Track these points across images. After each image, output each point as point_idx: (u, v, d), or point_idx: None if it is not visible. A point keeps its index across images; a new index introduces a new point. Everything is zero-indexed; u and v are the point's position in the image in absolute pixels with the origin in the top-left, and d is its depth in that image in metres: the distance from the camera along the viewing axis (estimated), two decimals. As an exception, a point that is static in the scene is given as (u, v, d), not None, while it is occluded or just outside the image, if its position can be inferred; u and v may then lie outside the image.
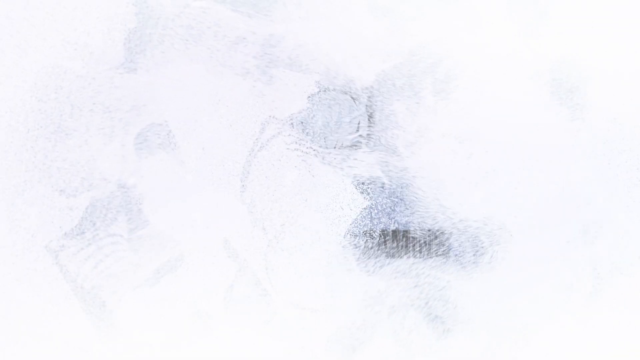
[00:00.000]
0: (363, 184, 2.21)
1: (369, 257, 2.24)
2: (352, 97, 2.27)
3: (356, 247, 2.23)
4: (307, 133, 2.26)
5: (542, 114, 2.25)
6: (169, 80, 2.22)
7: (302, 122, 2.27)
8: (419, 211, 2.24)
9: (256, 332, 2.25)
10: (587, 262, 2.28)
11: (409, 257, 2.22)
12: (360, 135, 2.26)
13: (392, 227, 2.23)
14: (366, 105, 2.27)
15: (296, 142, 2.26)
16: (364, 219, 2.23)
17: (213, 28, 2.20)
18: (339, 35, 2.24)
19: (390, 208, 2.23)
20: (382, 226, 2.23)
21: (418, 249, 2.23)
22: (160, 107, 2.24)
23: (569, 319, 2.26)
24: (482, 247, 2.25)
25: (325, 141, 2.23)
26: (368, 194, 2.22)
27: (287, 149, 2.26)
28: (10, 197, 2.23)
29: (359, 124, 2.27)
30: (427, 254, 2.24)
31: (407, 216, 2.23)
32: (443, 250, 2.23)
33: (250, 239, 2.26)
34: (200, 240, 2.25)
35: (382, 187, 2.20)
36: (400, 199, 2.22)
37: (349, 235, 2.23)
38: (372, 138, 2.19)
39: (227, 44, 2.18)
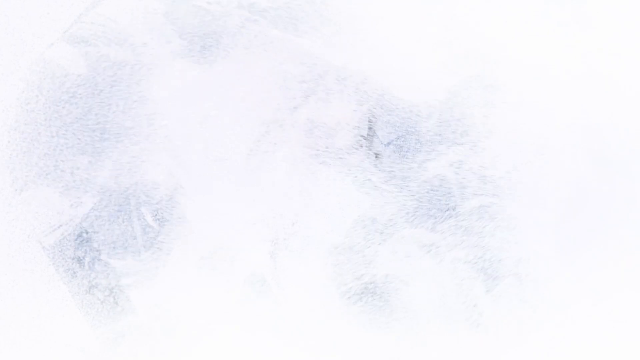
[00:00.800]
0: (430, 190, 2.21)
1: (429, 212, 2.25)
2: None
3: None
4: (311, 133, 2.26)
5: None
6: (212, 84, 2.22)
7: (305, 122, 2.27)
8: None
9: (263, 332, 2.25)
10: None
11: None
12: (360, 136, 2.26)
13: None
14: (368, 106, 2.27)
15: (300, 143, 2.26)
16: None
17: (275, 43, 2.20)
18: (399, 58, 2.25)
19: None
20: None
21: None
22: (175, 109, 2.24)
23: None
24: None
25: (324, 141, 2.23)
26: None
27: (291, 148, 2.26)
28: (6, 197, 2.23)
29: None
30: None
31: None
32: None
33: (255, 239, 2.25)
34: (204, 239, 2.24)
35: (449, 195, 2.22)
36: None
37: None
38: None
39: (285, 64, 2.19)
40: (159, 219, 2.22)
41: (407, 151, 2.23)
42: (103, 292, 2.23)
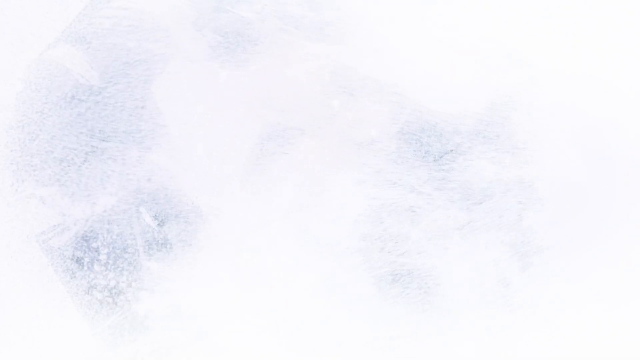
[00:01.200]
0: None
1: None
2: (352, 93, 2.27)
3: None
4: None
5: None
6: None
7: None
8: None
9: (269, 332, 2.25)
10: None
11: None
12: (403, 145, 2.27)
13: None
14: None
15: (333, 149, 2.26)
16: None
17: (310, 53, 2.21)
18: (435, 70, 2.26)
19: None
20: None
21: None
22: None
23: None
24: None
25: (359, 150, 2.24)
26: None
27: (288, 147, 2.26)
28: (6, 197, 2.22)
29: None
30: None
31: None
32: None
33: (260, 238, 2.25)
34: (210, 240, 2.24)
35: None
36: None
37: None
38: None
39: (320, 74, 2.20)
40: (159, 220, 2.22)
41: (439, 153, 2.24)
42: (102, 292, 2.23)
